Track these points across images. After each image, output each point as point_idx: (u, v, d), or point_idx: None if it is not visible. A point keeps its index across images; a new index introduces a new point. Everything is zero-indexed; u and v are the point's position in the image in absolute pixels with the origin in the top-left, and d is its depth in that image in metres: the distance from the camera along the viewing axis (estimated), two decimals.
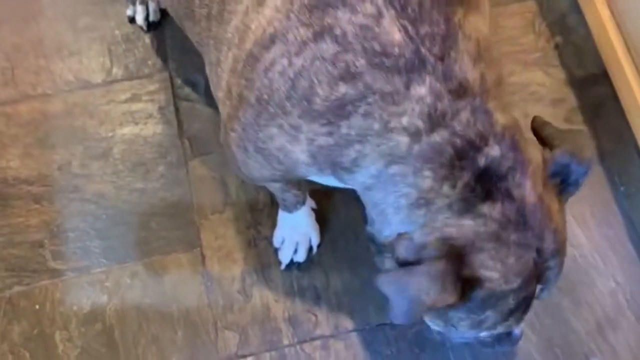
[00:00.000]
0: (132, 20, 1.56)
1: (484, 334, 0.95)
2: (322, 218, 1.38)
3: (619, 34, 1.34)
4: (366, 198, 0.91)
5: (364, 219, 0.96)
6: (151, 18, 1.55)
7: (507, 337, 1.03)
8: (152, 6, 1.54)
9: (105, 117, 1.50)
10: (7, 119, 1.51)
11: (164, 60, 1.55)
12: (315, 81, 0.81)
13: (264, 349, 1.30)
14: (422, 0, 0.78)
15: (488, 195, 0.80)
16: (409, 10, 0.78)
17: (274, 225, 1.37)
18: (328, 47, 0.79)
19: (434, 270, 0.80)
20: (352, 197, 1.03)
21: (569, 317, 1.31)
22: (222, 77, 0.95)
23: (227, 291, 1.35)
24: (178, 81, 1.52)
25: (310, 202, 1.35)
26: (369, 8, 0.78)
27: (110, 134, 1.49)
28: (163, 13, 1.54)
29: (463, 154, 0.80)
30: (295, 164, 0.92)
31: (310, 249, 1.36)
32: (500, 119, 0.82)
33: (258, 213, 1.41)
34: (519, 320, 0.93)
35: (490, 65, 0.84)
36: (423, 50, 0.78)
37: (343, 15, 0.78)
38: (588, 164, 0.87)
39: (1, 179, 1.45)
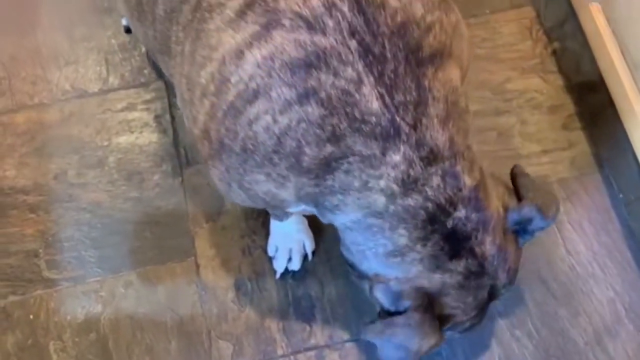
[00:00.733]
0: (128, 30, 1.56)
1: None
2: (316, 228, 1.37)
3: (614, 40, 1.32)
4: (346, 235, 0.98)
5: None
6: None
7: None
8: None
9: (102, 126, 1.51)
10: (4, 129, 1.51)
11: (160, 69, 1.54)
12: (303, 142, 0.85)
13: (258, 359, 1.30)
14: (397, 66, 0.83)
15: (454, 254, 0.92)
16: (386, 77, 0.82)
17: (268, 234, 1.37)
18: (314, 110, 0.83)
19: (414, 321, 0.93)
20: None
21: (567, 326, 1.30)
22: (197, 118, 0.94)
23: (221, 300, 1.34)
24: (174, 90, 1.52)
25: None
26: (350, 73, 0.81)
27: (106, 143, 1.49)
28: None
29: (434, 218, 0.89)
30: (281, 202, 0.97)
31: (306, 256, 1.36)
32: (467, 180, 0.90)
33: (253, 222, 1.40)
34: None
35: (458, 121, 0.90)
36: (398, 119, 0.84)
37: (326, 78, 0.81)
38: (549, 222, 0.99)
39: None
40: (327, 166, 0.86)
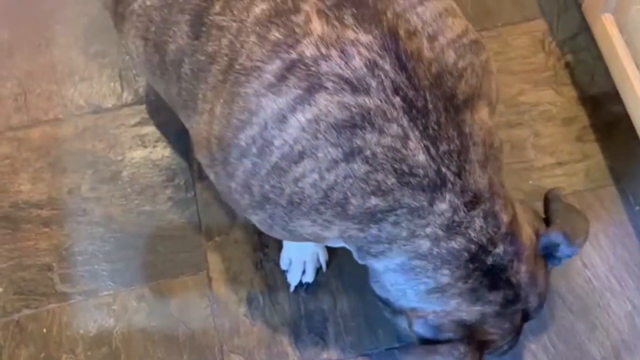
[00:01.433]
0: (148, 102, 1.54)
1: None
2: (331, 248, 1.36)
3: (628, 51, 1.31)
4: (385, 276, 0.98)
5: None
6: None
7: None
8: None
9: (115, 140, 1.52)
10: (19, 144, 1.52)
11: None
12: (349, 194, 0.86)
13: None
14: (439, 117, 0.84)
15: (493, 286, 0.95)
16: (430, 129, 0.84)
17: (280, 247, 1.36)
18: (359, 167, 0.83)
19: (458, 352, 0.95)
20: None
21: (584, 341, 1.28)
22: (235, 174, 0.92)
23: (233, 314, 1.33)
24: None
25: None
26: (396, 129, 0.82)
27: (119, 158, 1.50)
28: None
29: (476, 257, 0.92)
30: (325, 240, 0.98)
31: (319, 269, 1.35)
32: (504, 218, 0.93)
33: (265, 235, 1.39)
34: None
35: (494, 162, 0.92)
36: (443, 169, 0.86)
37: (372, 137, 0.82)
38: (576, 249, 1.01)
39: (12, 202, 1.46)
40: (373, 216, 0.88)
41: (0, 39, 1.65)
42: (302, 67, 0.80)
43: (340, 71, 0.79)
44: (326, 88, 0.79)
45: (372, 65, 0.79)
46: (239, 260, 1.38)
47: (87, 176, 1.48)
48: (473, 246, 0.91)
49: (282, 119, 0.82)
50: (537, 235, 1.00)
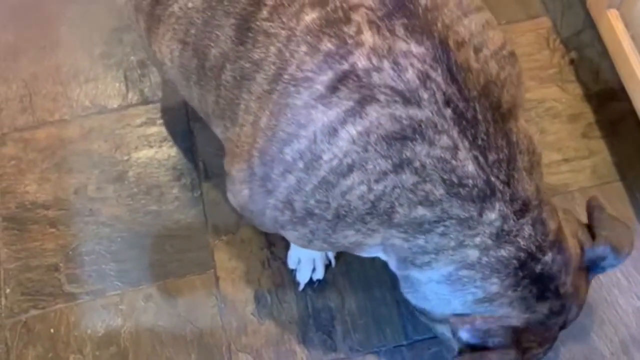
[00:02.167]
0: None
1: None
2: None
3: (634, 47, 1.31)
4: (428, 287, 0.96)
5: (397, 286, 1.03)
6: None
7: None
8: None
9: (121, 141, 1.52)
10: (25, 145, 1.53)
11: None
12: (396, 204, 0.85)
13: None
14: (487, 127, 0.84)
15: (541, 296, 0.94)
16: (479, 140, 0.83)
17: (287, 245, 1.36)
18: (408, 178, 0.83)
19: (509, 358, 0.94)
20: None
21: (592, 336, 1.27)
22: (275, 190, 0.90)
23: (240, 313, 1.33)
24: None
25: None
26: (446, 140, 0.81)
27: (125, 158, 1.50)
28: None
29: (525, 265, 0.91)
30: (367, 249, 0.97)
31: (328, 265, 1.35)
32: (551, 225, 0.92)
33: (272, 234, 1.40)
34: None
35: (538, 169, 0.92)
36: (493, 178, 0.85)
37: (421, 149, 0.81)
38: (622, 261, 1.00)
39: (18, 203, 1.46)
40: (420, 226, 0.87)
41: (6, 42, 1.65)
42: (354, 78, 0.79)
43: (393, 83, 0.78)
44: (378, 100, 0.78)
45: (424, 78, 0.78)
46: (246, 259, 1.38)
47: (94, 176, 1.48)
48: (522, 254, 0.90)
49: (332, 132, 0.81)
50: (582, 247, 0.98)
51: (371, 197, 0.84)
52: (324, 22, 0.80)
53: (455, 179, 0.83)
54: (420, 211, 0.85)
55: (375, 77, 0.78)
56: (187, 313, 1.34)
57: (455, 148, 0.81)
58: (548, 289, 0.93)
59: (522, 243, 0.90)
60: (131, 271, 1.39)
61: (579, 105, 1.48)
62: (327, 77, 0.80)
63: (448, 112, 0.80)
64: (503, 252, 0.89)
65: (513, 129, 0.86)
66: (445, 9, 0.83)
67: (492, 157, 0.84)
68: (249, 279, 1.37)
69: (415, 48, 0.79)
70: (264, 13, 0.85)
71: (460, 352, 0.96)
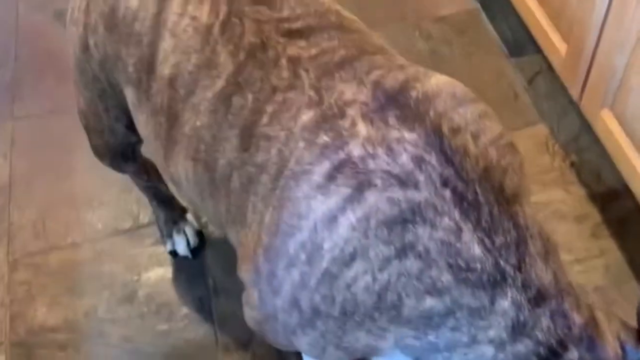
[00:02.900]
0: (174, 253, 1.53)
1: None
2: None
3: (632, 145, 1.34)
4: None
5: None
6: (192, 245, 1.52)
7: None
8: (189, 231, 1.52)
9: (132, 261, 1.53)
10: (36, 270, 1.54)
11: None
12: (403, 295, 0.83)
13: None
14: (491, 209, 0.82)
15: None
16: (483, 221, 0.81)
17: None
18: (412, 264, 0.81)
19: None
20: None
21: None
22: (281, 289, 0.90)
23: None
24: (203, 219, 1.56)
25: None
26: (447, 222, 0.80)
27: (135, 278, 1.50)
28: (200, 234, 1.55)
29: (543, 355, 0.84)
30: (381, 352, 0.92)
31: None
32: (576, 318, 0.85)
33: (284, 351, 1.37)
34: None
35: (555, 256, 0.87)
36: (502, 262, 0.82)
37: (423, 231, 0.80)
38: None
39: (27, 329, 1.45)
40: (430, 320, 0.83)
41: (20, 171, 1.71)
42: (351, 166, 0.80)
43: (388, 167, 0.80)
44: (375, 185, 0.79)
45: (418, 161, 0.80)
46: None
47: (104, 298, 1.48)
48: (542, 348, 0.83)
49: (331, 219, 0.81)
50: (623, 347, 0.90)
51: (376, 287, 0.82)
52: (320, 118, 0.84)
53: (462, 263, 0.80)
54: (429, 302, 0.82)
55: (371, 163, 0.80)
56: None
57: (458, 230, 0.80)
58: None
59: (540, 336, 0.83)
60: None
61: (585, 206, 1.50)
62: (324, 167, 0.82)
63: (447, 192, 0.80)
64: (520, 347, 0.83)
65: (519, 213, 0.83)
66: (437, 100, 0.85)
67: (499, 240, 0.81)
68: None
69: (407, 135, 0.81)
70: (264, 119, 0.89)
71: None
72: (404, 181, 0.79)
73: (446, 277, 0.80)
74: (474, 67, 1.75)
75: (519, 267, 0.81)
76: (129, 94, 1.07)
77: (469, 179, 0.81)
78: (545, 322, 0.83)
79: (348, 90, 0.85)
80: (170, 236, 1.52)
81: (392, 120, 0.82)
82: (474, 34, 1.83)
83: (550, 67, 1.70)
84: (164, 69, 0.98)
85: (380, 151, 0.80)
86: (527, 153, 1.60)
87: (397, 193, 0.79)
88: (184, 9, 0.97)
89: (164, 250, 1.54)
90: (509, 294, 0.81)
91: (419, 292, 0.81)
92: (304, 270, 0.85)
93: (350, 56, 0.89)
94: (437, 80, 0.88)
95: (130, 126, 1.17)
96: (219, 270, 1.49)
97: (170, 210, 1.51)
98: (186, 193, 1.04)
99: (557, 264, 0.85)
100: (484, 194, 0.81)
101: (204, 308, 1.44)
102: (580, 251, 1.44)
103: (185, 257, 1.52)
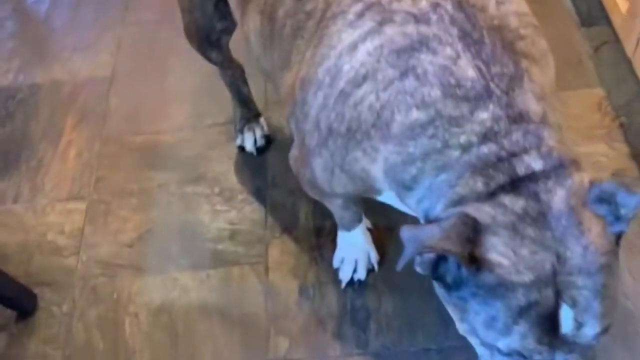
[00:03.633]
0: (242, 148, 1.71)
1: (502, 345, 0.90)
2: (382, 252, 1.47)
3: None
4: (417, 208, 0.99)
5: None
6: (258, 143, 1.70)
7: None
8: (258, 132, 1.70)
9: (205, 151, 1.73)
10: (123, 146, 1.76)
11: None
12: (396, 110, 0.94)
13: (311, 356, 1.36)
14: (494, 49, 0.90)
15: (514, 190, 0.86)
16: (483, 54, 0.90)
17: (334, 249, 1.48)
18: (410, 84, 0.92)
19: (445, 223, 0.86)
20: None
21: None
22: (310, 113, 1.06)
23: (284, 301, 1.44)
24: (273, 123, 1.74)
25: (366, 222, 1.46)
26: (449, 51, 0.91)
27: (206, 164, 1.70)
28: (267, 138, 1.72)
29: (504, 162, 0.87)
30: (373, 181, 1.04)
31: (372, 270, 1.45)
32: (551, 143, 0.88)
33: (323, 238, 1.53)
34: (538, 340, 0.86)
35: (553, 109, 0.92)
36: (492, 85, 0.88)
37: (426, 57, 0.92)
38: (636, 197, 0.86)
39: (108, 190, 1.67)
40: (412, 131, 0.92)
41: (122, 67, 1.95)
42: (378, 6, 0.95)
43: (409, 8, 0.94)
44: (395, 21, 0.94)
45: (435, 5, 0.93)
46: (296, 256, 1.51)
47: (176, 176, 1.68)
48: (504, 152, 0.87)
49: (353, 47, 0.96)
50: (592, 183, 0.88)
51: (377, 106, 0.94)
52: None
53: (452, 81, 0.89)
54: (415, 114, 0.91)
55: (395, 5, 0.94)
56: (236, 296, 1.46)
57: (457, 57, 0.90)
58: (525, 187, 0.85)
59: (506, 144, 0.87)
60: (192, 255, 1.54)
61: (625, 162, 1.57)
62: (357, 7, 0.97)
63: (454, 30, 0.91)
64: (484, 149, 0.87)
65: (524, 62, 0.91)
66: None
67: (495, 69, 0.89)
68: (296, 274, 1.48)
69: None
70: None
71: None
72: (419, 19, 0.93)
73: (435, 92, 0.90)
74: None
75: (507, 92, 0.88)
76: None
77: (478, 26, 0.91)
78: (516, 136, 0.87)
79: None
80: (241, 132, 1.70)
81: None
82: (550, 2, 1.93)
83: (617, 39, 1.79)
84: None
85: None
86: (579, 110, 1.69)
87: (411, 28, 0.93)
88: None
89: (234, 146, 1.73)
90: (491, 108, 0.87)
91: (409, 106, 0.92)
92: (327, 92, 1.00)
93: None
94: None
95: (217, 5, 1.36)
96: (278, 167, 1.66)
97: (247, 110, 1.70)
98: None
99: (552, 109, 0.91)
100: (491, 38, 0.91)
101: (260, 196, 1.62)
102: None
103: (250, 154, 1.70)
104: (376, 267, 1.45)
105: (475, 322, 0.90)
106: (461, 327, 0.95)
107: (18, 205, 1.67)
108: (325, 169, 1.09)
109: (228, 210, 1.61)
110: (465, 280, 0.86)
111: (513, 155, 0.86)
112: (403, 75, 0.93)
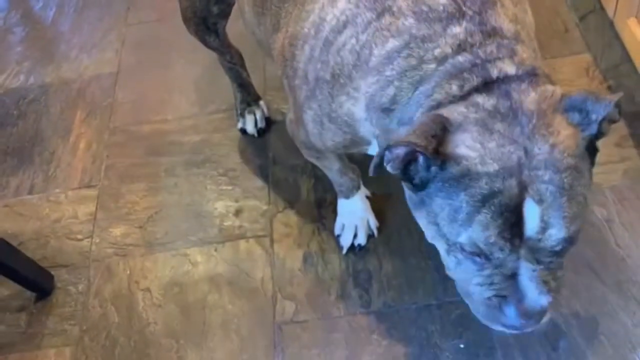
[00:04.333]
0: (243, 131, 1.77)
1: (466, 240, 0.89)
2: (381, 218, 1.53)
3: None
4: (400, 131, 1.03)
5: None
6: (259, 125, 1.76)
7: (510, 299, 0.93)
8: (258, 114, 1.78)
9: (208, 136, 1.79)
10: (130, 135, 1.83)
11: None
12: (373, 46, 0.99)
13: (316, 317, 1.41)
14: None
15: (486, 89, 0.89)
16: None
17: (335, 219, 1.54)
18: (386, 20, 0.98)
19: (415, 123, 0.91)
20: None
21: (616, 310, 1.33)
22: (298, 67, 1.14)
23: (289, 268, 1.50)
24: (273, 106, 1.80)
25: (364, 190, 1.52)
26: None
27: (210, 148, 1.77)
28: (268, 120, 1.79)
29: (478, 68, 0.91)
30: (358, 123, 1.08)
31: (371, 236, 1.50)
32: (524, 56, 0.91)
33: (324, 209, 1.59)
34: (500, 232, 0.87)
35: (527, 36, 0.96)
36: (464, 7, 0.93)
37: None
38: (606, 105, 0.90)
39: (117, 176, 1.74)
40: (389, 60, 0.96)
41: (127, 63, 2.03)
42: None
43: None
44: None
45: None
46: (300, 228, 1.56)
47: (182, 160, 1.75)
48: (479, 60, 0.90)
49: None
50: (564, 95, 0.91)
51: (357, 47, 0.99)
52: None
53: (425, 8, 0.94)
54: (390, 43, 0.96)
55: None
56: (243, 267, 1.52)
57: None
58: (497, 87, 0.89)
59: (481, 54, 0.90)
60: (201, 231, 1.60)
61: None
62: None
63: None
64: (459, 58, 0.91)
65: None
66: None
67: None
68: (300, 243, 1.54)
69: None
70: None
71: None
72: None
73: (409, 21, 0.95)
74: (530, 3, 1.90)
75: (479, 13, 0.92)
76: None
77: None
78: (491, 47, 0.91)
79: None
80: (242, 115, 1.77)
81: None
82: None
83: (602, 8, 1.84)
84: None
85: None
86: (567, 76, 1.74)
87: None
88: None
89: (236, 130, 1.79)
90: (464, 25, 0.92)
91: (385, 38, 0.97)
92: (312, 44, 1.06)
93: None
94: None
95: None
96: (278, 146, 1.72)
97: (247, 94, 1.77)
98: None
99: (526, 33, 0.94)
100: None
101: (262, 174, 1.68)
102: (602, 156, 1.51)
103: (252, 136, 1.77)
104: (375, 232, 1.51)
105: (440, 219, 0.91)
106: (429, 233, 0.97)
107: (33, 195, 1.75)
108: (315, 122, 1.14)
109: (232, 189, 1.67)
110: (433, 178, 0.90)
111: (487, 62, 0.90)
112: (380, 15, 0.98)
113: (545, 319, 0.93)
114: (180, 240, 1.60)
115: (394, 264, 1.47)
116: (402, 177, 0.93)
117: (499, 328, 0.98)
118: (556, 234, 0.87)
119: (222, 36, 1.62)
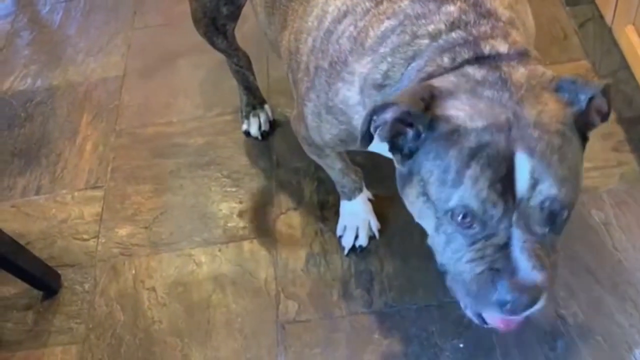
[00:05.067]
0: (247, 133, 1.80)
1: (456, 204, 0.87)
2: (383, 220, 1.55)
3: None
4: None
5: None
6: (263, 128, 1.78)
7: (501, 274, 0.90)
8: (263, 117, 1.81)
9: (213, 138, 1.82)
10: (135, 137, 1.86)
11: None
12: (370, 29, 1.02)
13: (319, 317, 1.44)
14: None
15: (477, 62, 0.92)
16: None
17: (337, 221, 1.56)
18: (384, 7, 1.01)
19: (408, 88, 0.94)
20: None
21: (613, 311, 1.36)
22: (301, 60, 1.16)
23: (292, 269, 1.53)
24: (277, 110, 1.83)
25: (367, 193, 1.55)
26: None
27: (214, 150, 1.79)
28: (272, 123, 1.81)
29: (470, 45, 0.93)
30: (352, 110, 1.09)
31: (373, 237, 1.53)
32: (517, 38, 0.94)
33: (327, 211, 1.61)
34: (490, 184, 0.85)
35: (523, 25, 0.98)
36: None
37: None
38: (593, 85, 0.90)
39: (123, 178, 1.77)
40: (383, 39, 0.99)
41: (133, 66, 2.06)
42: None
43: None
44: None
45: None
46: (303, 229, 1.59)
47: (187, 162, 1.78)
48: (471, 37, 0.93)
49: None
50: (555, 76, 0.92)
51: (355, 33, 1.03)
52: None
53: None
54: (385, 24, 0.99)
55: None
56: (247, 266, 1.55)
57: None
58: (488, 61, 0.91)
59: (474, 32, 0.93)
60: (205, 231, 1.63)
61: (612, 127, 1.65)
62: None
63: None
64: (453, 35, 0.94)
65: None
66: None
67: None
68: (303, 244, 1.57)
69: None
70: None
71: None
72: None
73: (404, 3, 0.99)
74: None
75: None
76: None
77: None
78: (485, 28, 0.94)
79: None
80: (247, 118, 1.80)
81: None
82: None
83: (600, 15, 1.87)
84: None
85: None
86: None
87: None
88: None
89: (240, 133, 1.82)
90: (458, 4, 0.96)
91: (381, 21, 1.00)
92: (315, 35, 1.10)
93: None
94: None
95: None
96: (282, 149, 1.75)
97: (253, 97, 1.80)
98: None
99: (520, 20, 0.97)
100: None
101: (266, 176, 1.71)
102: (599, 161, 1.59)
103: (255, 138, 1.80)
104: (377, 234, 1.54)
105: (429, 186, 0.91)
106: (416, 209, 0.96)
107: (40, 196, 1.78)
108: (314, 114, 1.16)
109: (237, 191, 1.70)
110: (421, 144, 0.90)
111: (480, 39, 0.93)
112: (379, 3, 1.01)
113: (538, 306, 0.90)
114: (185, 241, 1.62)
115: (395, 265, 1.50)
116: (390, 147, 0.94)
117: (493, 312, 0.94)
118: (547, 190, 0.85)
119: (231, 38, 1.65)
